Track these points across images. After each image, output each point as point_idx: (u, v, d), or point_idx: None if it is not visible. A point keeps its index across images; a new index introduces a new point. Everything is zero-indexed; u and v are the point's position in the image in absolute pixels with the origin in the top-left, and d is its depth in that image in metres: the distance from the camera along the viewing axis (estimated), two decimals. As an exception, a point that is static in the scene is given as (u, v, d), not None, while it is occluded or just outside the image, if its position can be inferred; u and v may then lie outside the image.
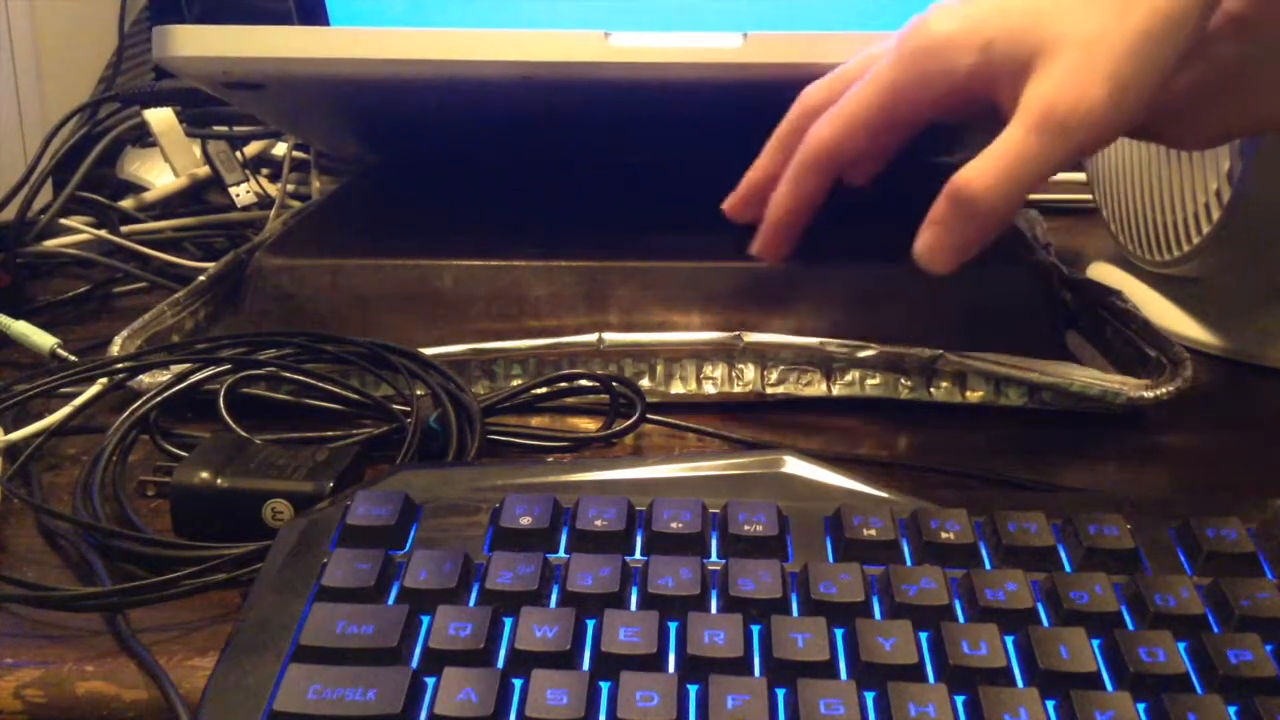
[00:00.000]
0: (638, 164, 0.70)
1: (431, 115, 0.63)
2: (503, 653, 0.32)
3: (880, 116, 0.46)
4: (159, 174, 0.82)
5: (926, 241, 0.45)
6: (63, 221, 0.69)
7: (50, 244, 0.69)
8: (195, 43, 0.51)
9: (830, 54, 0.51)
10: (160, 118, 0.75)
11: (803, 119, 0.48)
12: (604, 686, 0.30)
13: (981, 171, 0.43)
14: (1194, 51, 0.43)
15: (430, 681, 0.31)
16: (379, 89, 0.55)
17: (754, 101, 0.54)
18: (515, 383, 0.53)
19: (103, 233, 0.70)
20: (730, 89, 0.53)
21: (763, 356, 0.53)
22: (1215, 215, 0.56)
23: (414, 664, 0.31)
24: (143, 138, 0.82)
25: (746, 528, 0.36)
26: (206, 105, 0.72)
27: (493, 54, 0.51)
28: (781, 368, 0.53)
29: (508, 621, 0.32)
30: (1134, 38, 0.41)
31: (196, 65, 0.52)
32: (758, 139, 0.58)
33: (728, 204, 0.51)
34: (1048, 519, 0.36)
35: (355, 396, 0.49)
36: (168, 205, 0.81)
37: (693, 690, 0.30)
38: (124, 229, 0.73)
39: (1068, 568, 0.35)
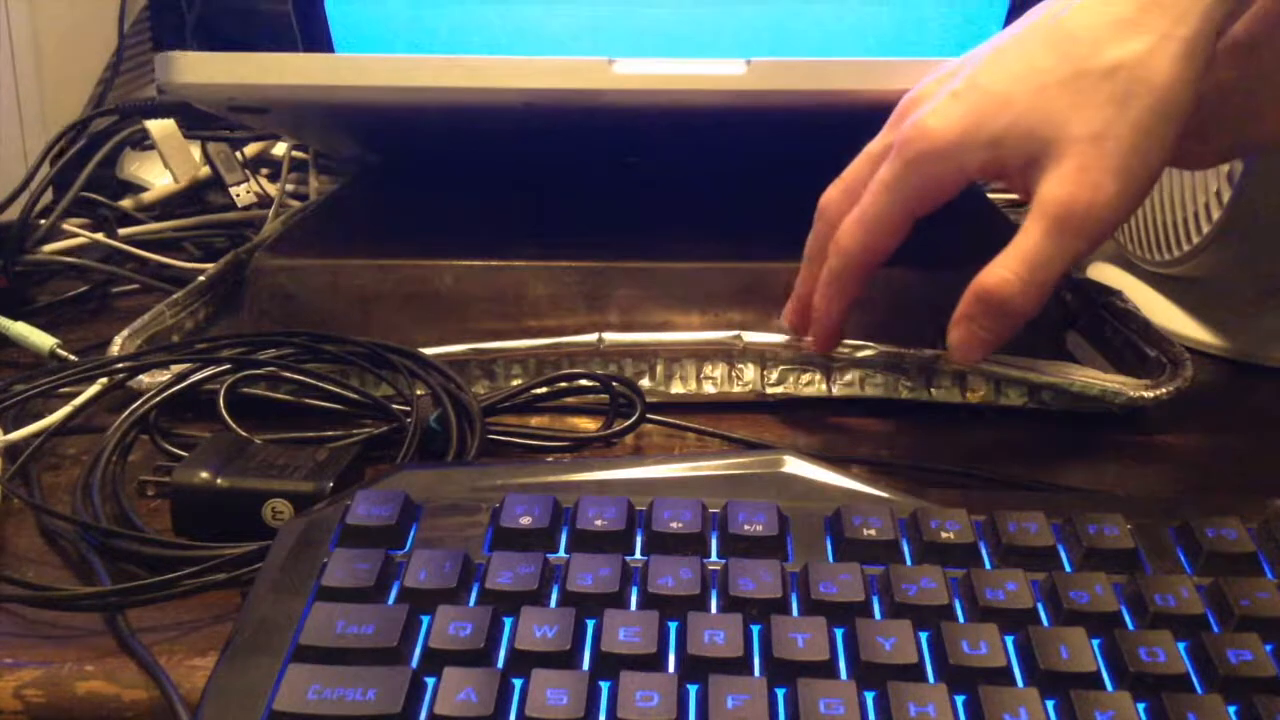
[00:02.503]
0: (638, 163, 0.70)
1: (435, 128, 0.63)
2: (503, 652, 0.32)
3: (899, 217, 0.47)
4: (158, 174, 0.82)
5: (960, 338, 0.46)
6: (61, 225, 0.68)
7: (49, 248, 0.68)
8: (199, 70, 0.51)
9: (832, 80, 0.51)
10: (160, 125, 0.74)
11: (827, 230, 0.49)
12: (604, 686, 0.30)
13: (1007, 277, 0.44)
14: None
15: (430, 681, 0.31)
16: (383, 110, 0.55)
17: (757, 115, 0.54)
18: (515, 383, 0.53)
19: (99, 236, 0.70)
20: (733, 111, 0.53)
21: (763, 356, 0.53)
22: (1215, 215, 0.56)
23: (414, 664, 0.31)
24: (142, 141, 0.82)
25: (746, 528, 0.36)
26: (207, 117, 0.72)
27: (497, 81, 0.51)
28: (781, 368, 0.53)
29: (508, 621, 0.32)
30: (1136, 130, 0.42)
31: (200, 92, 0.52)
32: (757, 146, 0.59)
33: (786, 318, 0.52)
34: (1048, 519, 0.36)
35: (355, 396, 0.49)
36: (167, 205, 0.81)
37: (693, 690, 0.30)
38: (123, 231, 0.73)
39: (1068, 568, 0.35)
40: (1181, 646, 0.32)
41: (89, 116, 0.70)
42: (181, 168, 0.78)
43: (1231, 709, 0.30)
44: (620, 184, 0.69)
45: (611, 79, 0.50)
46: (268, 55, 0.50)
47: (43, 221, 0.67)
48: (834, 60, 0.51)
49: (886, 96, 0.50)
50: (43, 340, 0.57)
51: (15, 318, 0.59)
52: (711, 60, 0.50)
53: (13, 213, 0.67)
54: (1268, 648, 0.31)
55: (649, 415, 0.50)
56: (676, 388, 0.54)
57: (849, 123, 0.49)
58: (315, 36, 0.73)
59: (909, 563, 0.35)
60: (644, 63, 0.50)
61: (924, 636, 0.32)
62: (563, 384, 0.51)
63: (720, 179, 0.70)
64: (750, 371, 0.53)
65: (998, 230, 0.63)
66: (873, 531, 0.36)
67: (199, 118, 0.77)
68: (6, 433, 0.48)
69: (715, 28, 0.72)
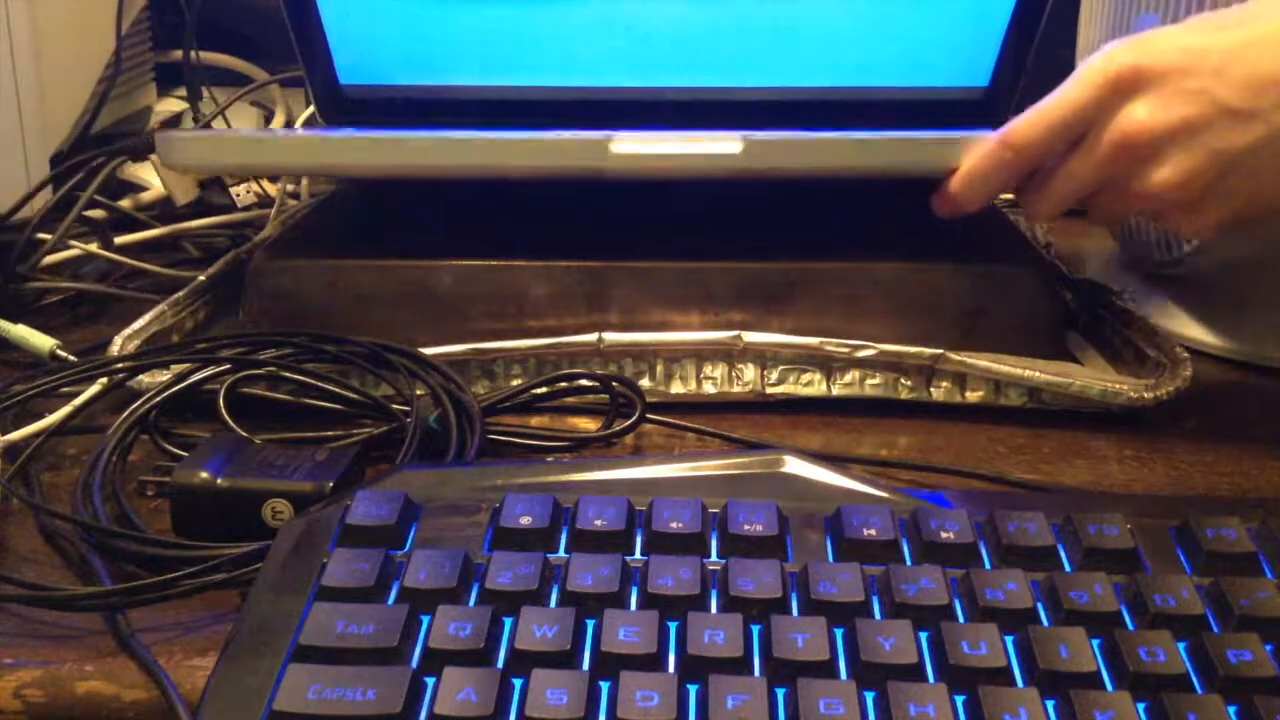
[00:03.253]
0: None
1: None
2: (503, 652, 0.32)
3: None
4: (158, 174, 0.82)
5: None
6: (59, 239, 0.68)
7: (46, 261, 0.68)
8: (198, 153, 0.53)
9: (829, 159, 0.52)
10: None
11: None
12: (604, 686, 0.30)
13: None
14: (1191, 142, 0.45)
15: (430, 681, 0.31)
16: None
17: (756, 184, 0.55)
18: (515, 383, 0.53)
19: (93, 247, 0.69)
20: (730, 183, 0.54)
21: (763, 356, 0.53)
22: (1215, 215, 0.56)
23: (414, 664, 0.31)
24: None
25: (746, 528, 0.36)
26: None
27: (490, 160, 0.52)
28: (781, 368, 0.53)
29: (508, 621, 0.32)
30: None
31: (200, 169, 0.55)
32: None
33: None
34: (1048, 519, 0.36)
35: (355, 396, 0.49)
36: (167, 205, 0.81)
37: (693, 690, 0.30)
38: (120, 240, 0.72)
39: (1068, 567, 0.35)
40: (1181, 646, 0.32)
41: (80, 160, 0.69)
42: (181, 189, 0.78)
43: (1231, 709, 0.30)
44: (620, 183, 0.69)
45: (609, 158, 0.51)
46: (258, 136, 0.53)
47: (48, 236, 0.67)
48: (830, 137, 0.52)
49: (884, 171, 0.51)
50: (42, 342, 0.56)
51: (15, 318, 0.59)
52: (707, 138, 0.51)
53: (23, 212, 0.66)
54: (1268, 648, 0.32)
55: (649, 415, 0.50)
56: (676, 388, 0.54)
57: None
58: (308, 34, 0.73)
59: (909, 563, 0.35)
60: (640, 141, 0.51)
61: (924, 636, 0.32)
62: (563, 384, 0.51)
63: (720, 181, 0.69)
64: (750, 371, 0.53)
65: (997, 230, 0.63)
66: (873, 531, 0.36)
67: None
68: (6, 433, 0.48)
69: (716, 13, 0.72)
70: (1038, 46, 0.74)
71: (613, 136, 0.51)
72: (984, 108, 0.73)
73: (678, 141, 0.51)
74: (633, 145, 0.51)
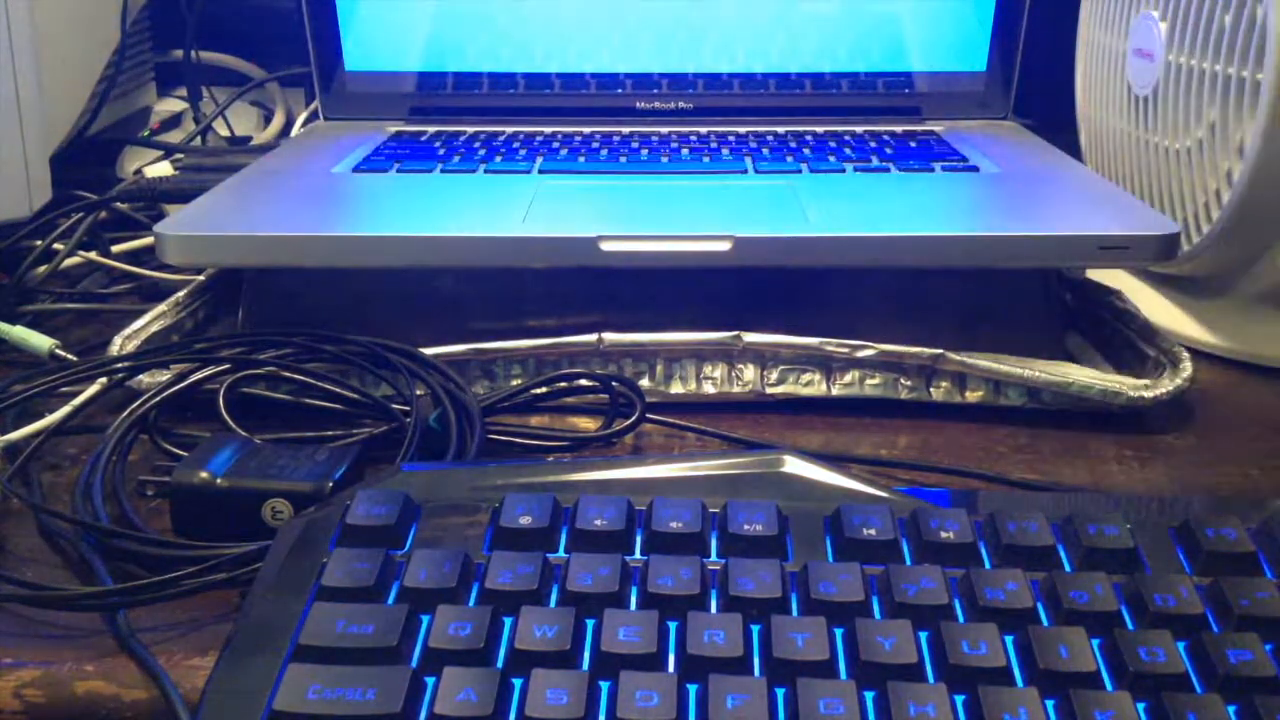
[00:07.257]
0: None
1: None
2: (502, 652, 0.32)
3: None
4: (159, 173, 0.82)
5: None
6: (56, 245, 0.68)
7: (42, 270, 0.67)
8: (185, 252, 0.54)
9: (816, 257, 0.52)
10: (158, 168, 0.75)
11: None
12: (604, 686, 0.30)
13: None
14: None
15: (430, 681, 0.31)
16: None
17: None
18: (515, 383, 0.53)
19: (93, 255, 0.69)
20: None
21: (762, 356, 0.53)
22: (1215, 215, 0.56)
23: (414, 663, 0.32)
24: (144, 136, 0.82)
25: (746, 527, 0.36)
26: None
27: (479, 261, 0.53)
28: (781, 368, 0.53)
29: (507, 621, 0.32)
30: None
31: (190, 264, 0.57)
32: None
33: None
34: (1048, 519, 0.36)
35: (355, 396, 0.49)
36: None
37: (692, 690, 0.30)
38: (118, 249, 0.72)
39: (1068, 567, 0.35)
40: (1181, 646, 0.32)
41: (89, 204, 0.69)
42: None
43: (1231, 709, 0.30)
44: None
45: (599, 256, 0.52)
46: (248, 238, 0.53)
47: (60, 246, 0.67)
48: (816, 235, 0.52)
49: (869, 264, 0.52)
50: (41, 342, 0.56)
51: (14, 319, 0.59)
52: (697, 239, 0.52)
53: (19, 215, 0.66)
54: (1267, 648, 0.32)
55: (649, 415, 0.50)
56: (676, 388, 0.54)
57: None
58: (321, 16, 0.74)
59: (909, 563, 0.35)
60: (629, 241, 0.52)
61: (924, 636, 0.32)
62: (563, 384, 0.51)
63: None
64: (750, 371, 0.53)
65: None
66: (872, 531, 0.36)
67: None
68: (6, 433, 0.48)
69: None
70: (1039, 42, 0.75)
71: (602, 236, 0.52)
72: (985, 93, 0.74)
73: (666, 241, 0.52)
74: (621, 245, 0.52)
